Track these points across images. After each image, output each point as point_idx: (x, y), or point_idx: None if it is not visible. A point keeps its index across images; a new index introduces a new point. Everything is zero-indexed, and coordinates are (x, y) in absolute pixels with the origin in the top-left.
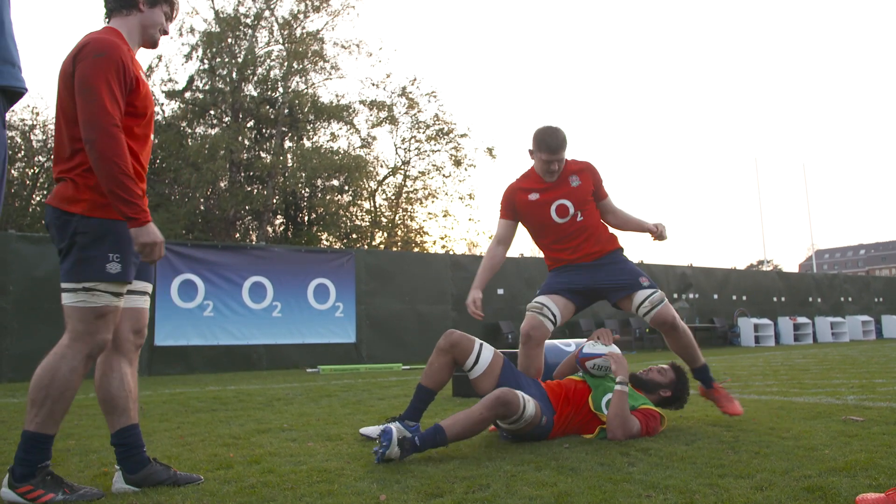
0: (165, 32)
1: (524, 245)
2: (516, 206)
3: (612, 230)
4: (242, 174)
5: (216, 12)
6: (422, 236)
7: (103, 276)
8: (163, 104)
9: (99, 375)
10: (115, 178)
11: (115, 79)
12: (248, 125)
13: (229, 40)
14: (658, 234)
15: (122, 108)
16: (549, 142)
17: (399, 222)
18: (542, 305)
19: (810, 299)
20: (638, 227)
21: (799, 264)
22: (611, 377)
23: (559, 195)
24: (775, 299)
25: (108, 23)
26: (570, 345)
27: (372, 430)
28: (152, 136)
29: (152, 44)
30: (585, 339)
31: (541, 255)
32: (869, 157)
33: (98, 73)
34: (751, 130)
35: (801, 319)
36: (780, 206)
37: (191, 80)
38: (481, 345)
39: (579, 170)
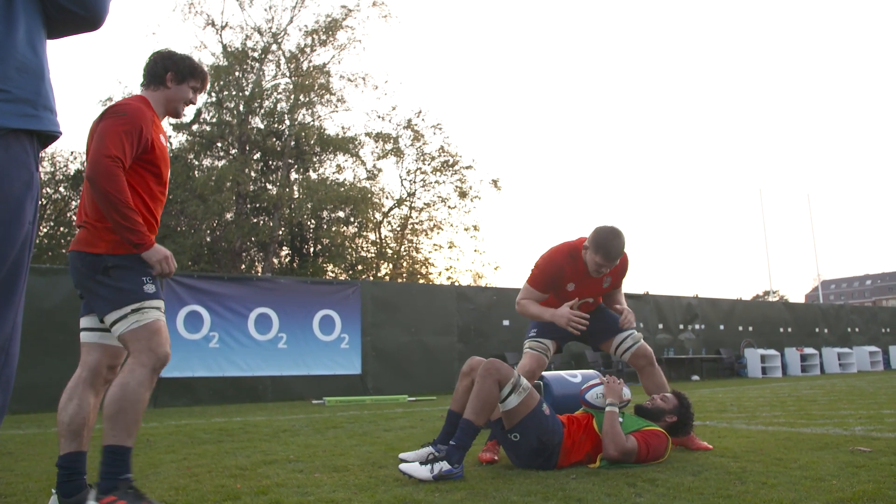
0: (192, 103)
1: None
2: (552, 285)
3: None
4: (249, 206)
5: (224, 46)
6: (427, 267)
7: (143, 297)
8: (171, 136)
9: (64, 398)
10: (118, 210)
11: (128, 134)
12: (255, 157)
13: (237, 73)
14: (623, 319)
15: (128, 159)
16: (608, 249)
17: (404, 253)
18: (545, 347)
19: (817, 330)
20: (616, 306)
21: (805, 294)
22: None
23: (591, 293)
24: (782, 330)
25: (141, 91)
26: (576, 376)
27: (410, 455)
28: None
29: (175, 115)
30: (589, 372)
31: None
32: (874, 187)
33: (114, 128)
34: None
35: (808, 350)
36: (786, 237)
37: (198, 112)
38: (520, 377)
39: (615, 271)
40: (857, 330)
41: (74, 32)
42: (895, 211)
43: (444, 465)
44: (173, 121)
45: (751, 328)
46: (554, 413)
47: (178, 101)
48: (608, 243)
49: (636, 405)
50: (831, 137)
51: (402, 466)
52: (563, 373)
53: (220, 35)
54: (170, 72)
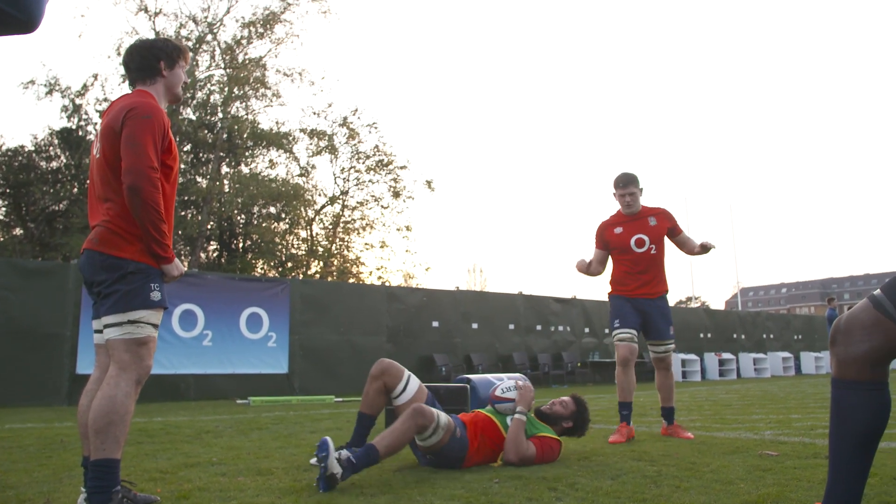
0: (186, 83)
1: (459, 279)
2: (605, 238)
3: (667, 274)
4: (177, 198)
5: (157, 34)
6: (358, 267)
7: (148, 304)
8: (96, 123)
9: (84, 401)
10: (153, 222)
11: (157, 137)
12: (185, 149)
13: None
14: (707, 248)
15: (160, 164)
16: (619, 179)
17: (336, 252)
18: (631, 336)
19: (735, 336)
20: (696, 248)
21: (725, 301)
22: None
23: (638, 230)
24: (702, 335)
25: (135, 87)
26: (502, 379)
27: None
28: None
29: (177, 100)
30: (515, 375)
31: (476, 288)
32: (791, 200)
33: (146, 132)
34: (682, 170)
35: (726, 355)
36: None
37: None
38: (410, 375)
39: (657, 213)
40: (771, 336)
41: (8, 34)
42: (809, 222)
43: (341, 456)
44: (101, 107)
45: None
46: (464, 430)
47: (177, 85)
48: (618, 175)
49: (536, 409)
50: (754, 151)
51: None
52: (489, 376)
53: (153, 22)
54: (161, 60)
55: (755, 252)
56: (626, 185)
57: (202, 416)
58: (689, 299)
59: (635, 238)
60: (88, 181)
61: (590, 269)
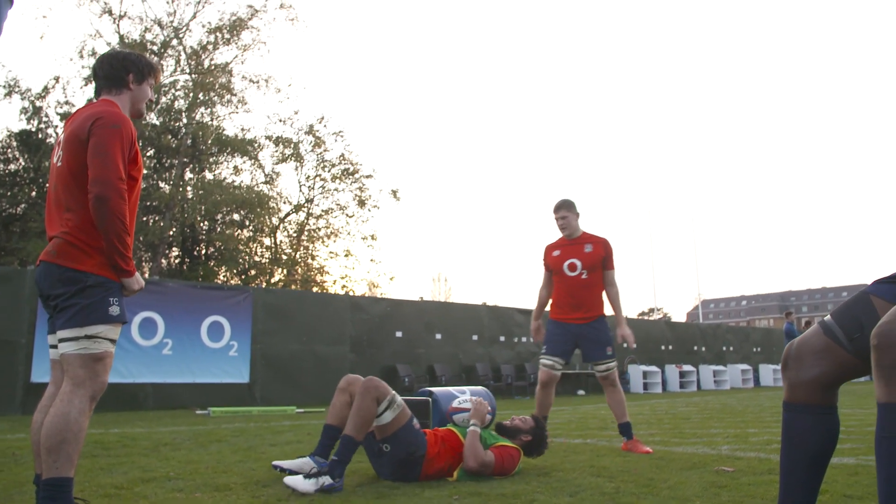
0: (152, 101)
1: (423, 292)
2: (546, 259)
3: (604, 298)
4: (139, 204)
5: (121, 37)
6: (322, 275)
7: (107, 319)
8: (57, 126)
9: (38, 417)
10: (119, 234)
11: (126, 148)
12: (149, 153)
13: None
14: (622, 339)
15: (126, 175)
16: (555, 204)
17: (300, 260)
18: (552, 363)
19: (695, 348)
20: (616, 317)
21: (687, 312)
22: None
23: (573, 255)
24: (663, 347)
25: (100, 96)
26: (464, 392)
27: (288, 464)
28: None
29: (140, 115)
30: (478, 388)
31: (440, 298)
32: (752, 213)
33: (114, 141)
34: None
35: (687, 367)
36: (671, 257)
37: (89, 103)
38: (395, 394)
39: (595, 241)
40: (731, 349)
41: None
42: (769, 236)
43: (326, 480)
44: (62, 110)
45: (635, 345)
46: (420, 429)
47: (142, 101)
48: (555, 203)
49: (497, 423)
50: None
51: (287, 480)
52: (452, 388)
53: (118, 25)
54: (131, 73)
55: (716, 265)
56: (559, 209)
57: (160, 427)
58: (652, 310)
59: (568, 262)
60: (47, 189)
61: (540, 295)
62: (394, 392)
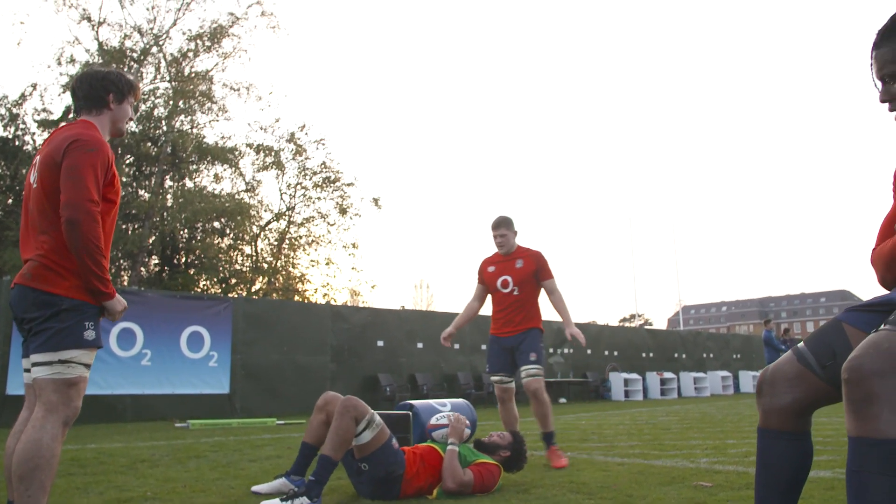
0: (132, 119)
1: (405, 299)
2: (481, 275)
3: (539, 310)
4: (118, 212)
5: (100, 44)
6: (303, 283)
7: (81, 343)
8: (34, 133)
9: (11, 442)
10: (93, 257)
11: (100, 171)
12: (128, 161)
13: None
14: (572, 339)
15: (101, 198)
16: (493, 221)
17: (281, 268)
18: (500, 378)
19: (676, 355)
20: (563, 320)
21: (668, 319)
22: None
23: (505, 271)
24: (644, 355)
25: (77, 117)
26: (445, 405)
27: (265, 488)
28: None
29: (120, 134)
30: (458, 401)
31: (421, 307)
32: (732, 219)
33: (87, 164)
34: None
35: (668, 374)
36: (652, 263)
37: (67, 110)
38: (374, 413)
39: (526, 255)
40: (711, 356)
41: None
42: (749, 242)
43: (304, 500)
44: (39, 118)
45: (616, 352)
46: (399, 448)
47: (123, 120)
48: (494, 220)
49: (476, 440)
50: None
51: (264, 503)
52: (433, 401)
53: (97, 32)
54: (111, 93)
55: (697, 271)
56: (498, 227)
57: (138, 441)
58: (633, 316)
59: (501, 279)
60: (22, 211)
61: (469, 307)
62: (373, 411)
